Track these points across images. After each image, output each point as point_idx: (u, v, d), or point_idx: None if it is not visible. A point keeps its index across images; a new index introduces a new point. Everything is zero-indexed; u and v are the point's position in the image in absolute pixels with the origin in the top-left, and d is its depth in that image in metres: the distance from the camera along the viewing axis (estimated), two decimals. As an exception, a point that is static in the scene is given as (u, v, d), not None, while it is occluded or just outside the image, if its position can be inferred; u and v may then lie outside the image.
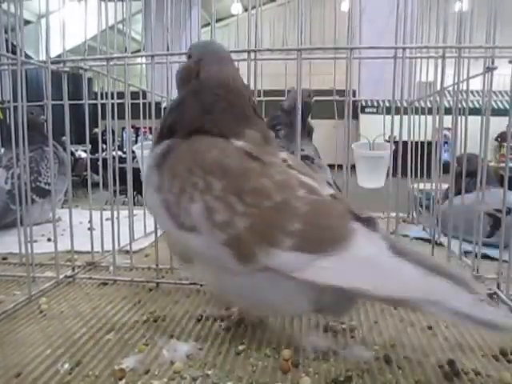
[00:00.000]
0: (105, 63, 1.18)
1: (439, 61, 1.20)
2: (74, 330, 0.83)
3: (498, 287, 1.01)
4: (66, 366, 0.69)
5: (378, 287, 0.61)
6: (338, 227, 0.66)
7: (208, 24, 1.75)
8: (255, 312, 0.84)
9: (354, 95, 1.97)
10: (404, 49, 1.01)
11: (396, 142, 1.05)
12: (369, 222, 0.68)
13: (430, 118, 1.62)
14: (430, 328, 0.84)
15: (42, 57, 1.19)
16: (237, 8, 9.93)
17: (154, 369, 0.68)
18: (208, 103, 0.79)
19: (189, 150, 0.75)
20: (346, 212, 0.69)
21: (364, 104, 9.69)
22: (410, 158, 1.82)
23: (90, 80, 1.21)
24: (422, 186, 1.84)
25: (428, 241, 1.56)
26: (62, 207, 1.90)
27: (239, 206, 0.67)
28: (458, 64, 1.03)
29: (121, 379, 0.65)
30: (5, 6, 1.26)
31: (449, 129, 1.23)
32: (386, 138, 1.64)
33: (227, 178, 0.70)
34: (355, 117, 9.53)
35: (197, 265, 0.75)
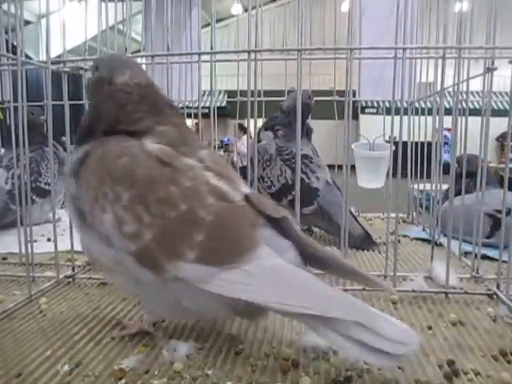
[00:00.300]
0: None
1: (439, 61, 1.20)
2: (74, 330, 0.83)
3: (498, 287, 1.01)
4: (66, 366, 0.69)
5: (281, 302, 0.60)
6: (242, 238, 0.65)
7: (208, 24, 1.75)
8: (176, 319, 0.85)
9: (354, 95, 1.97)
10: (404, 49, 1.01)
11: (396, 143, 1.05)
12: (283, 223, 0.69)
13: (430, 118, 1.62)
14: (429, 328, 0.84)
15: (42, 57, 1.20)
16: (237, 9, 9.93)
17: (153, 369, 0.68)
18: (122, 100, 0.79)
19: (101, 158, 0.75)
20: (255, 218, 0.68)
21: (364, 104, 9.69)
22: (410, 159, 1.83)
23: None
24: (422, 186, 1.84)
25: (428, 241, 1.56)
26: (62, 207, 1.90)
27: (146, 216, 0.66)
28: (458, 65, 1.03)
29: (121, 379, 0.65)
30: (5, 6, 1.26)
31: (449, 129, 1.23)
32: (387, 139, 1.64)
33: (135, 187, 0.69)
34: (355, 117, 9.54)
35: (114, 274, 0.76)
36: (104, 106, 0.80)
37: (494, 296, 0.99)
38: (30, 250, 1.07)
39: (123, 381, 0.65)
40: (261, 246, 0.64)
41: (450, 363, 0.68)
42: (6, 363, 0.70)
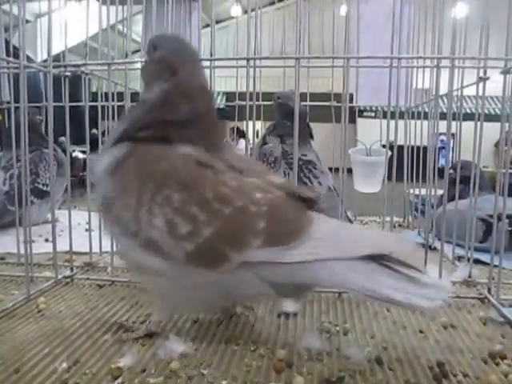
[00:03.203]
0: (106, 67, 1.20)
1: (434, 69, 1.22)
2: (72, 330, 0.84)
3: (489, 292, 1.02)
4: (64, 364, 0.70)
5: (348, 251, 0.68)
6: (298, 217, 0.72)
7: (208, 25, 1.77)
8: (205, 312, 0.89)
9: (352, 100, 1.99)
10: (399, 59, 1.03)
11: (392, 147, 1.06)
12: (313, 202, 0.76)
13: (426, 123, 1.64)
14: (421, 331, 0.85)
15: (41, 56, 1.21)
16: (236, 10, 9.93)
17: (150, 368, 0.69)
18: (187, 109, 0.77)
19: (143, 161, 0.75)
20: (297, 202, 0.74)
21: (362, 108, 9.72)
22: (406, 163, 1.84)
23: (88, 80, 1.22)
24: (417, 191, 1.85)
25: (423, 245, 1.57)
26: (60, 208, 1.91)
27: (202, 215, 0.69)
28: (451, 74, 1.05)
29: (118, 377, 0.66)
30: (6, 7, 1.27)
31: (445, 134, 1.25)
32: (384, 143, 1.67)
33: (185, 189, 0.71)
34: (353, 121, 9.54)
35: (153, 278, 0.76)
36: (170, 108, 0.77)
37: (486, 300, 1.01)
38: (29, 250, 1.08)
39: (120, 379, 0.66)
40: (314, 220, 0.71)
41: (440, 365, 0.69)
42: (5, 360, 0.71)
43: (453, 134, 1.39)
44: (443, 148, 1.87)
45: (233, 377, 0.67)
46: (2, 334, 0.82)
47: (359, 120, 9.87)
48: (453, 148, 1.61)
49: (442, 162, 1.76)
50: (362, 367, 0.70)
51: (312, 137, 1.71)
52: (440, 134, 1.39)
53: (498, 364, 0.72)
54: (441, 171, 1.22)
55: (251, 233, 0.69)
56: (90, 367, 0.69)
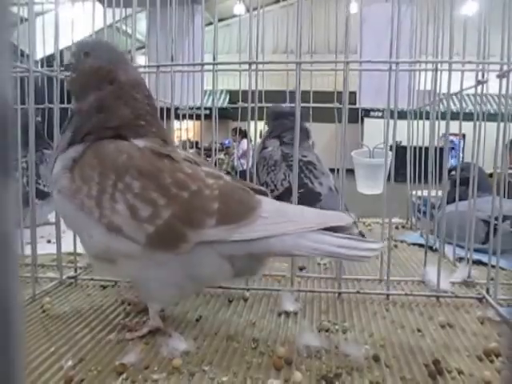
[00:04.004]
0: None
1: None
2: (77, 329, 0.86)
3: (488, 292, 1.04)
4: (70, 362, 0.72)
5: (293, 227, 0.76)
6: (248, 199, 0.80)
7: (211, 23, 1.79)
8: (183, 295, 0.92)
9: (355, 102, 2.00)
10: (397, 63, 1.05)
11: (395, 148, 1.07)
12: (263, 193, 0.85)
13: (430, 124, 1.65)
14: (419, 330, 0.87)
15: (43, 53, 1.22)
16: (239, 9, 9.93)
17: (153, 365, 0.71)
18: (130, 104, 0.83)
19: (99, 155, 0.80)
20: (247, 188, 0.82)
21: (369, 108, 9.70)
22: (409, 164, 1.85)
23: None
24: (421, 192, 1.86)
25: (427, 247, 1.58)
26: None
27: (161, 199, 0.75)
28: (449, 78, 1.07)
29: (122, 373, 0.68)
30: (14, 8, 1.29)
31: (456, 134, 1.25)
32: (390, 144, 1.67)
33: (144, 176, 0.77)
34: (356, 121, 9.51)
35: (120, 264, 0.80)
36: (113, 108, 0.83)
37: (484, 300, 1.02)
38: (34, 251, 1.10)
39: (124, 375, 0.68)
40: (263, 201, 0.80)
41: (436, 362, 0.71)
42: (12, 358, 0.73)
43: (463, 135, 1.40)
44: (453, 149, 1.88)
45: (233, 373, 0.69)
46: (8, 332, 0.84)
47: (366, 120, 9.83)
48: (463, 148, 1.61)
49: (451, 162, 1.76)
50: (359, 364, 0.71)
51: (309, 137, 1.73)
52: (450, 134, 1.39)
53: (492, 361, 0.73)
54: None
55: (206, 213, 0.76)
56: (94, 364, 0.71)
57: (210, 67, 1.23)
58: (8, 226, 0.20)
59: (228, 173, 4.82)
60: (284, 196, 1.59)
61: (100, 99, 0.83)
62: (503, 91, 1.02)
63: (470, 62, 1.08)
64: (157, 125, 0.88)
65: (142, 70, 1.26)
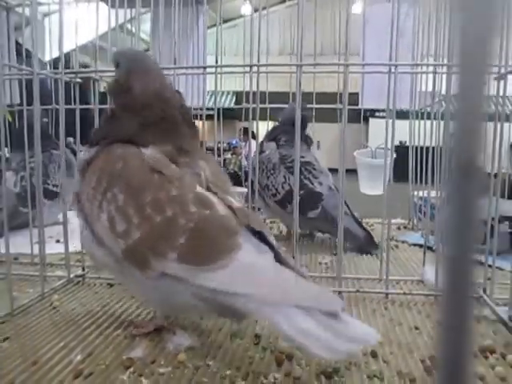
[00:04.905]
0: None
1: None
2: (85, 325, 0.89)
3: (484, 291, 1.06)
4: (79, 356, 0.75)
5: (256, 295, 0.65)
6: (219, 242, 0.70)
7: (215, 24, 1.82)
8: (165, 313, 0.88)
9: (357, 103, 2.02)
10: (396, 66, 1.07)
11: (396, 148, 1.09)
12: (263, 236, 0.74)
13: (434, 124, 1.67)
14: (416, 328, 0.89)
15: (50, 55, 1.25)
16: (247, 9, 9.89)
17: (159, 359, 0.74)
18: (139, 115, 0.82)
19: (102, 160, 0.81)
20: (235, 226, 0.73)
21: (375, 108, 9.69)
22: (410, 165, 1.87)
23: (96, 80, 1.27)
24: (423, 192, 1.88)
25: (426, 248, 1.60)
26: (71, 209, 1.96)
27: (136, 217, 0.73)
28: (448, 80, 1.09)
29: (129, 367, 0.71)
30: (19, 9, 1.32)
31: None
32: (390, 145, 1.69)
33: (129, 189, 0.75)
34: (358, 121, 9.49)
35: (111, 272, 0.84)
36: (123, 121, 0.84)
37: (481, 299, 1.04)
38: (43, 250, 1.13)
39: (132, 369, 0.71)
40: (237, 250, 0.69)
41: (432, 358, 0.74)
42: (24, 353, 0.76)
43: None
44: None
45: (236, 368, 0.71)
46: (19, 329, 0.87)
47: (371, 120, 9.82)
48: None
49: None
50: (357, 360, 0.74)
51: (307, 141, 1.75)
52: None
53: (486, 358, 0.76)
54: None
55: (169, 245, 0.71)
56: (103, 359, 0.74)
57: (213, 70, 1.26)
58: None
59: (235, 172, 4.84)
60: (286, 199, 1.61)
61: (112, 108, 0.87)
62: (501, 93, 1.05)
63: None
64: (177, 132, 0.84)
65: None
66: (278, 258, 0.72)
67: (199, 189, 0.77)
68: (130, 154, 0.80)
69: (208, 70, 1.35)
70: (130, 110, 0.83)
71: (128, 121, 0.83)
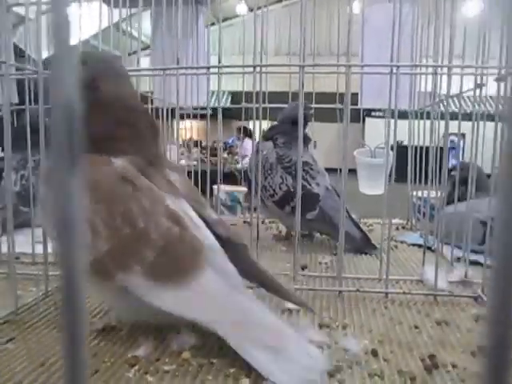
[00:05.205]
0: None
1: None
2: (90, 323, 0.90)
3: (483, 291, 1.07)
4: (84, 354, 0.76)
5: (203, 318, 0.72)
6: (185, 262, 0.73)
7: (213, 23, 1.82)
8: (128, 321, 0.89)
9: (356, 102, 2.03)
10: (397, 67, 1.08)
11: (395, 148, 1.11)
12: (239, 248, 0.78)
13: (435, 125, 1.68)
14: (416, 327, 0.91)
15: (47, 53, 1.25)
16: (241, 9, 9.88)
17: (164, 357, 0.75)
18: (108, 117, 0.80)
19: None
20: (201, 246, 0.74)
21: (371, 107, 9.69)
22: (410, 165, 1.88)
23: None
24: (422, 192, 1.89)
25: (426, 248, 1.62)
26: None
27: (104, 229, 0.72)
28: (449, 81, 1.10)
29: (134, 365, 0.72)
30: (21, 10, 1.33)
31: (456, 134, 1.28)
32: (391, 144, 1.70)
33: (98, 201, 0.74)
34: (357, 120, 9.50)
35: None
36: (90, 119, 0.82)
37: (479, 298, 1.06)
38: (46, 250, 1.13)
39: (137, 367, 0.72)
40: (201, 270, 0.73)
41: (432, 357, 0.75)
42: (31, 355, 0.76)
43: (463, 135, 1.42)
44: (453, 148, 1.91)
45: (240, 365, 0.72)
46: (25, 327, 0.88)
47: (367, 120, 9.83)
48: (463, 148, 1.63)
49: (452, 162, 1.78)
50: (358, 358, 0.75)
51: (306, 140, 1.76)
52: (450, 134, 1.42)
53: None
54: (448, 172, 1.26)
55: (136, 260, 0.72)
56: (108, 357, 0.75)
57: (215, 70, 1.27)
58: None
59: (232, 172, 4.85)
60: (283, 200, 1.61)
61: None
62: (502, 93, 1.06)
63: (468, 67, 1.11)
64: (143, 142, 0.83)
65: (147, 72, 1.30)
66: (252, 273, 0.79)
67: (170, 202, 0.77)
68: (100, 161, 0.77)
69: (211, 70, 1.36)
70: (95, 112, 0.79)
71: (95, 126, 0.78)
